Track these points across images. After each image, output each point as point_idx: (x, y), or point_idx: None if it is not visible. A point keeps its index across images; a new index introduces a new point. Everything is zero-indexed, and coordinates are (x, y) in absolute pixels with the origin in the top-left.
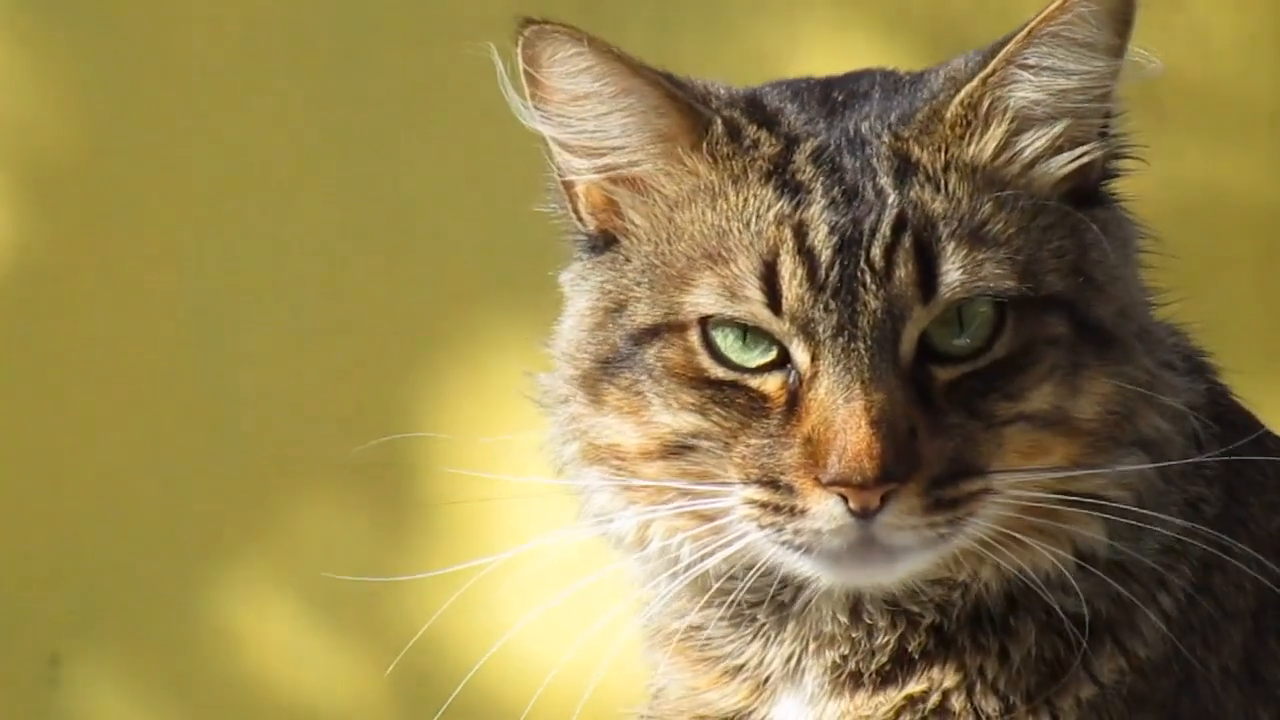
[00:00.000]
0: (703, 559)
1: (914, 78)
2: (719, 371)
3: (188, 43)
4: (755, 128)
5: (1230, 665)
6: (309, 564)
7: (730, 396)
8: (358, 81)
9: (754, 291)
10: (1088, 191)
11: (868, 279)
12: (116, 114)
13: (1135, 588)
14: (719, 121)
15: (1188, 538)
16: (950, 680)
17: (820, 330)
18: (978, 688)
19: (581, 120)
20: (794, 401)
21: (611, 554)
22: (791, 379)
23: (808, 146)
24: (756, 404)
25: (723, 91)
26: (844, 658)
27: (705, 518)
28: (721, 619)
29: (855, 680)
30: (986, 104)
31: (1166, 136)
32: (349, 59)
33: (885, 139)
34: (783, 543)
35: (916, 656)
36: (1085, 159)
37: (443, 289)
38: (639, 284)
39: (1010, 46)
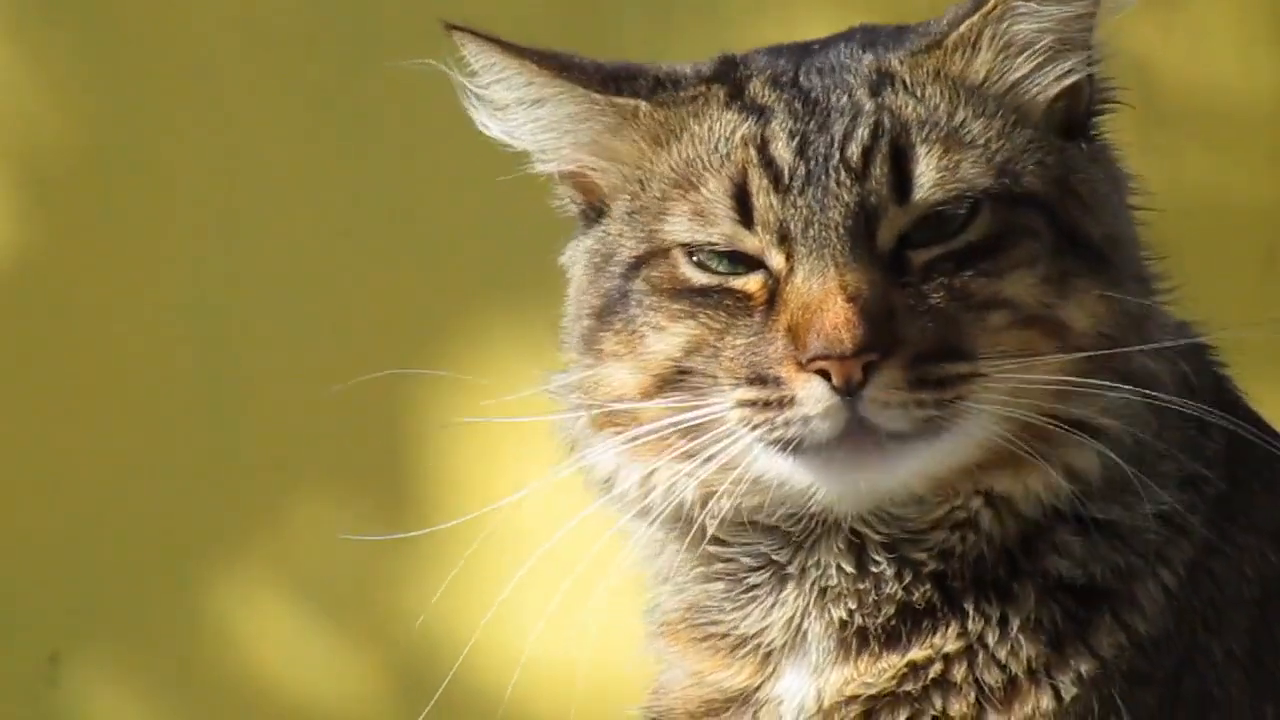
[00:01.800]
0: (703, 500)
1: (898, 27)
2: (702, 278)
3: (188, 43)
4: (699, 85)
5: (1235, 650)
6: (308, 563)
7: (716, 300)
8: (358, 81)
9: (724, 211)
10: (1077, 124)
11: (841, 175)
12: (116, 114)
13: (1133, 559)
14: (642, 106)
15: (1189, 514)
16: (952, 646)
17: (792, 228)
18: (979, 657)
19: (526, 127)
20: (774, 299)
21: (609, 518)
22: (770, 280)
23: (764, 75)
24: (740, 303)
25: (687, 67)
26: (850, 613)
27: (700, 447)
28: (721, 591)
29: (861, 640)
30: (986, 36)
31: (1166, 136)
32: (349, 59)
33: (865, 60)
34: (774, 441)
35: (921, 609)
36: (1072, 78)
37: (443, 289)
38: (623, 232)
39: None
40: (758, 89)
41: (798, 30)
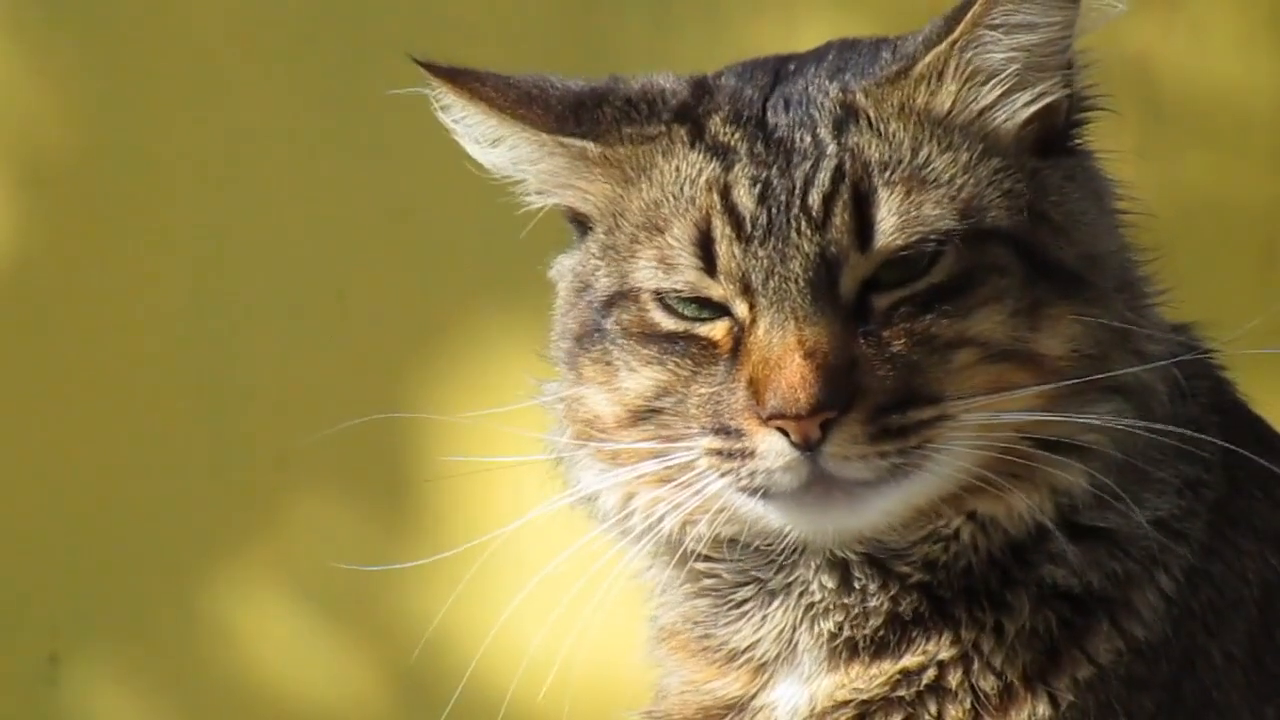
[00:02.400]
0: (683, 525)
1: (873, 42)
2: (669, 324)
3: (188, 42)
4: (657, 125)
5: (1235, 653)
6: (308, 563)
7: (684, 347)
8: (358, 81)
9: (688, 259)
10: (1053, 139)
11: (802, 224)
12: (116, 114)
13: (1131, 565)
14: (592, 148)
15: (1187, 519)
16: (945, 653)
17: (754, 279)
18: (975, 664)
19: (500, 159)
20: (738, 348)
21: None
22: (735, 328)
23: (726, 111)
24: (706, 351)
25: (663, 81)
26: (839, 625)
27: (676, 480)
28: (711, 607)
29: (851, 649)
30: (952, 65)
31: (1166, 136)
32: (349, 58)
33: (831, 93)
34: (741, 488)
35: (909, 618)
36: (1047, 100)
37: (444, 288)
38: (599, 265)
39: (977, 8)
40: (720, 127)
41: (798, 30)
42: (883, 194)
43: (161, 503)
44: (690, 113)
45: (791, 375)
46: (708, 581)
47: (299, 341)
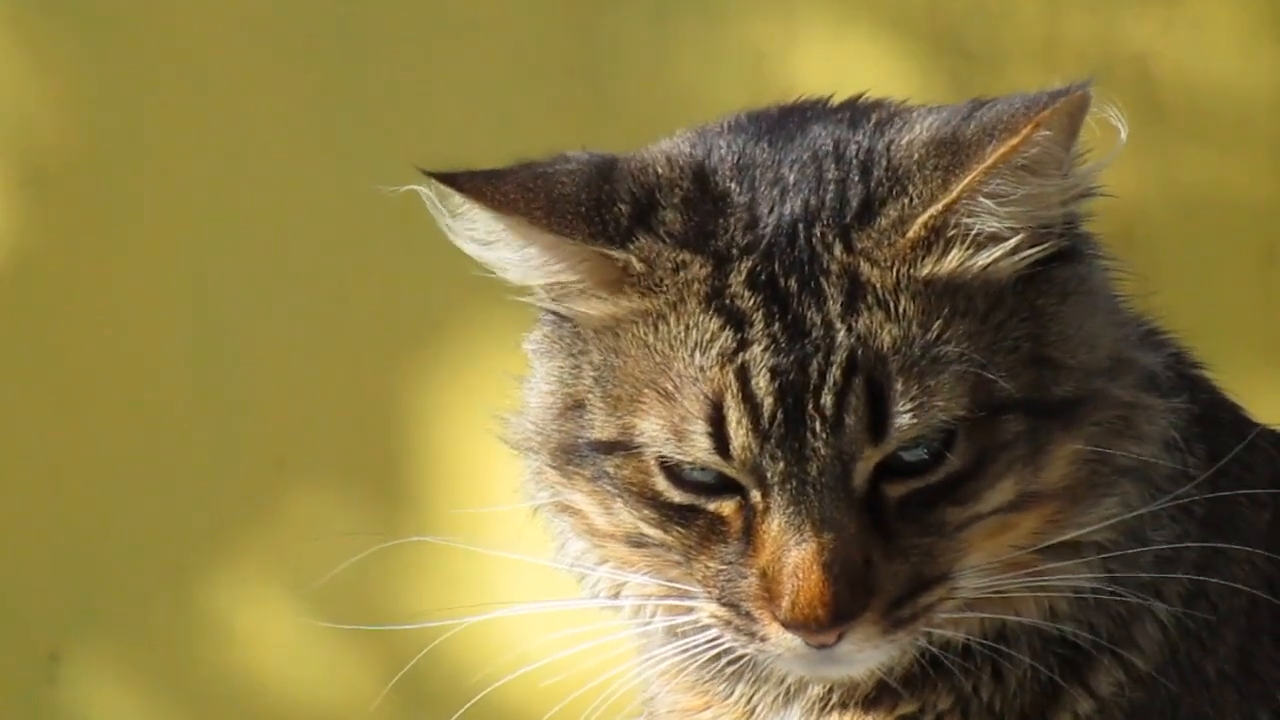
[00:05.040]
0: (675, 629)
1: (876, 125)
2: (675, 496)
3: (188, 42)
4: (678, 250)
5: (1226, 667)
6: (308, 563)
7: (689, 519)
8: (358, 81)
9: (700, 437)
10: (1049, 259)
11: (816, 426)
12: (116, 114)
13: (1132, 602)
14: (634, 261)
15: (1180, 542)
16: (943, 704)
17: (769, 476)
18: (973, 706)
19: (505, 264)
20: (750, 529)
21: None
22: (746, 508)
23: (744, 267)
24: (715, 527)
25: (661, 168)
26: (828, 692)
27: (677, 599)
28: (701, 667)
29: (843, 705)
30: (950, 230)
31: (1166, 134)
32: (349, 58)
33: (836, 252)
34: (750, 650)
35: (900, 687)
36: (1046, 254)
37: (444, 288)
38: (593, 391)
39: (973, 175)
40: (738, 290)
41: (798, 30)
42: (897, 385)
43: (161, 503)
44: (703, 261)
45: (810, 590)
46: (692, 651)
47: (299, 341)
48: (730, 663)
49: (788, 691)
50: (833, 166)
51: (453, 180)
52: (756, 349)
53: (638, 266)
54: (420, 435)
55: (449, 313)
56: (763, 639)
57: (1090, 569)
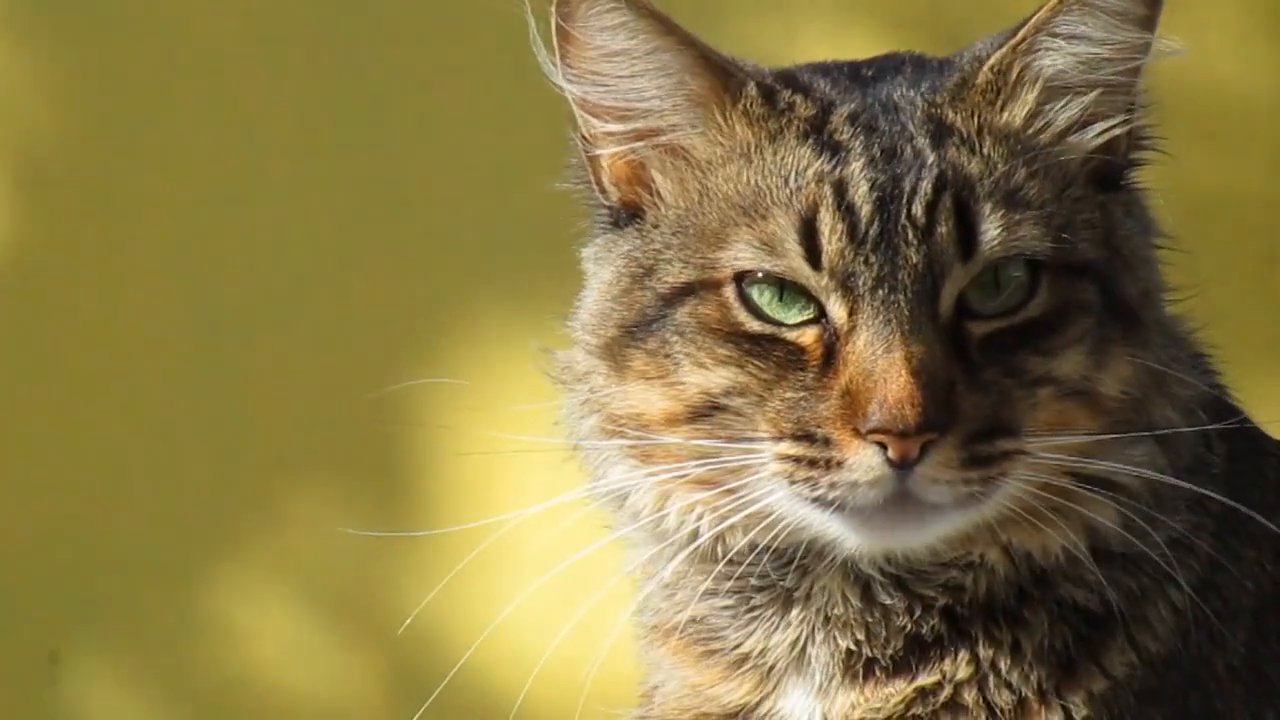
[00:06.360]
0: (721, 529)
1: (943, 59)
2: (755, 325)
3: (188, 42)
4: (790, 92)
5: (1234, 663)
6: (309, 563)
7: (766, 349)
8: (358, 80)
9: (793, 246)
10: (1112, 175)
11: (909, 234)
12: (116, 114)
13: (1145, 580)
14: (753, 84)
15: (1195, 533)
16: (963, 673)
17: (860, 283)
18: (990, 681)
19: (615, 79)
20: (830, 355)
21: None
22: (827, 334)
23: (844, 109)
24: (793, 356)
25: (752, 65)
26: (859, 643)
27: (725, 484)
28: (725, 606)
29: (868, 668)
30: (1016, 70)
31: (1167, 136)
32: (349, 57)
33: (919, 104)
34: (815, 499)
35: (930, 640)
36: (1114, 132)
37: (445, 288)
38: (669, 246)
39: (1041, 14)
40: (840, 124)
41: (798, 30)
42: (985, 205)
43: (161, 503)
44: (809, 104)
45: (899, 390)
46: (727, 584)
47: (299, 341)
48: (755, 590)
49: (803, 644)
50: (908, 63)
51: None
52: (855, 166)
53: (752, 91)
54: (420, 435)
55: (449, 313)
56: (839, 464)
57: (1119, 512)
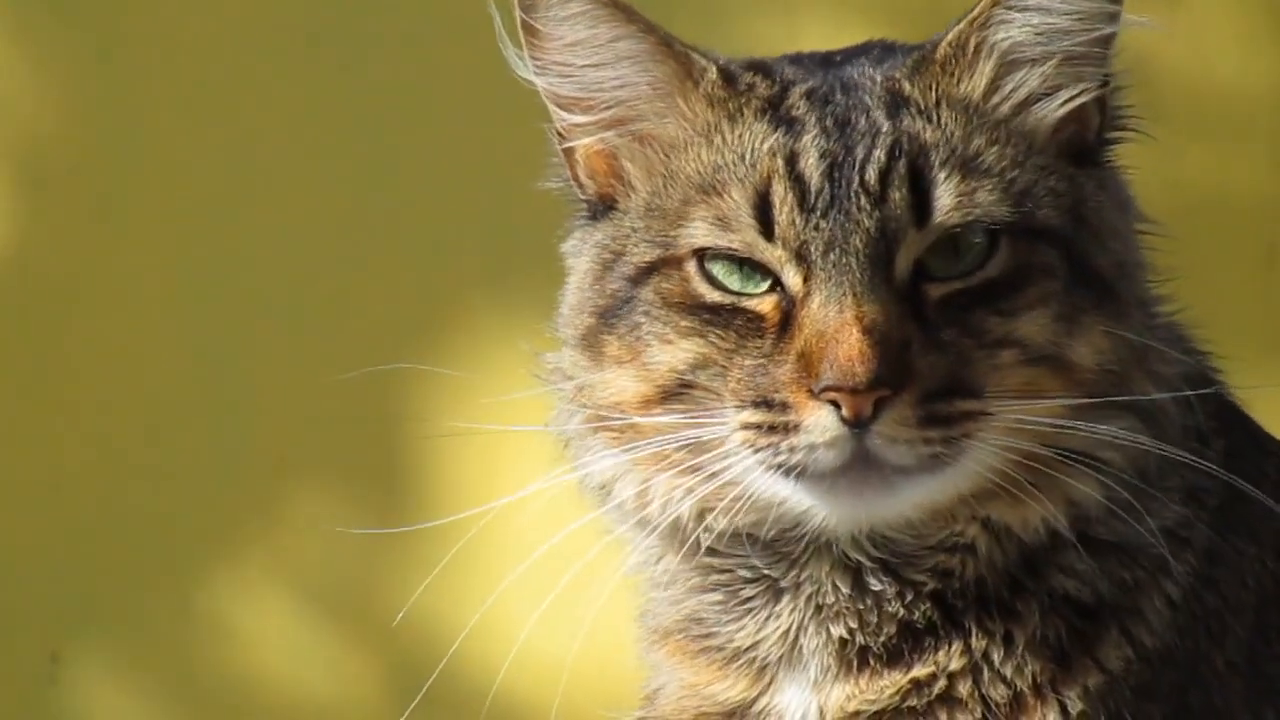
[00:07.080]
0: (699, 514)
1: (913, 45)
2: (715, 296)
3: (188, 43)
4: (751, 74)
5: (1235, 660)
6: (308, 562)
7: (727, 319)
8: (358, 80)
9: (748, 220)
10: (1086, 150)
11: (862, 200)
12: (116, 114)
13: (1139, 572)
14: (714, 68)
15: (1191, 526)
16: (955, 664)
17: (812, 250)
18: (985, 674)
19: (579, 69)
20: (787, 321)
21: (591, 515)
22: (785, 301)
23: (802, 87)
24: (752, 325)
25: (716, 54)
26: (851, 632)
27: (701, 464)
28: (718, 602)
29: (862, 658)
30: (973, 43)
31: (1167, 134)
32: (349, 57)
33: (879, 80)
34: (777, 465)
35: (922, 628)
36: (1080, 100)
37: (441, 286)
38: (636, 230)
39: None
40: (795, 101)
41: (798, 30)
42: (940, 173)
43: (161, 502)
44: (769, 84)
45: (850, 348)
46: (715, 577)
47: (298, 340)
48: (745, 583)
49: (794, 635)
50: (876, 48)
51: None
52: (806, 138)
53: (713, 75)
54: (420, 434)
55: (449, 312)
56: (795, 427)
57: (1101, 484)
